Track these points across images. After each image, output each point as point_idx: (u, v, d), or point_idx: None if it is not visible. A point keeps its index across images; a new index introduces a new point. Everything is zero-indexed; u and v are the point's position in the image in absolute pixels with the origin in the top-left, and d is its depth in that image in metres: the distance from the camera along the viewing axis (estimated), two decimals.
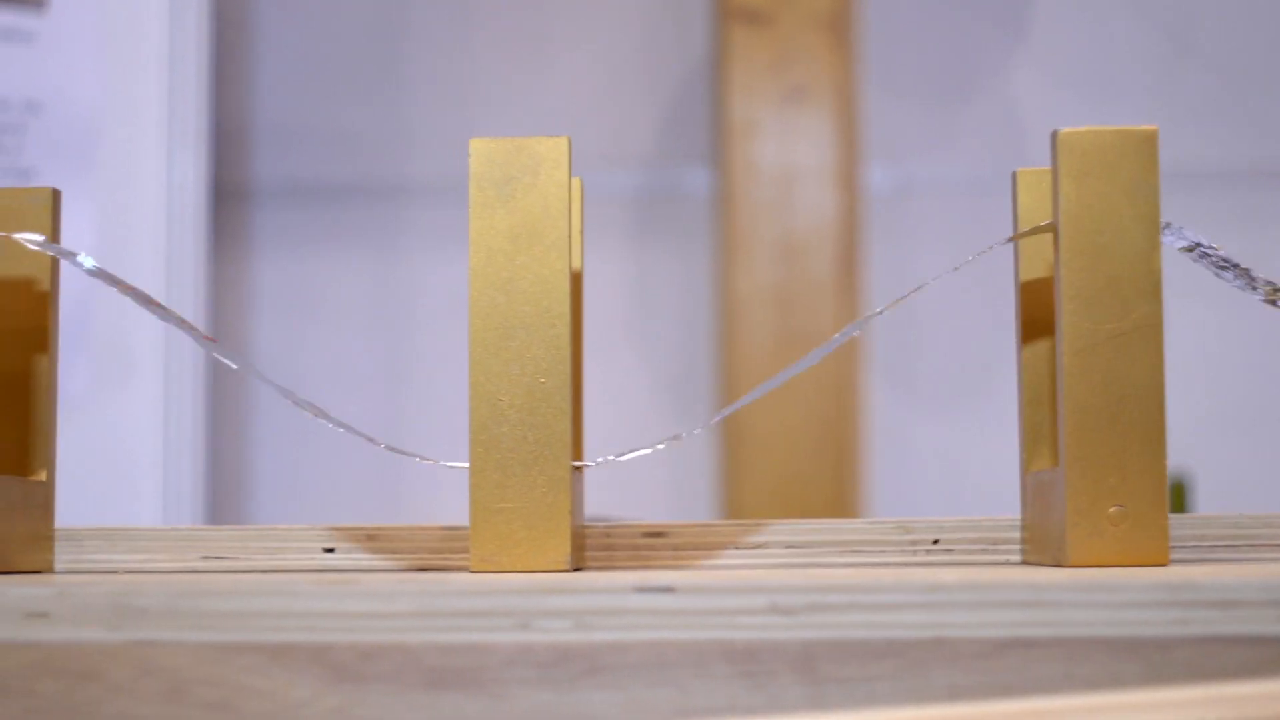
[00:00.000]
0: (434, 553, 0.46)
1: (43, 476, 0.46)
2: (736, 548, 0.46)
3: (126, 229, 1.11)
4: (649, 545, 0.46)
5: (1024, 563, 0.46)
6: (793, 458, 1.24)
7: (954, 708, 0.33)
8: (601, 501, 1.34)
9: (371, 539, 0.47)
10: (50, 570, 0.47)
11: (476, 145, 0.42)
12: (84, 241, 1.09)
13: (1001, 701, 0.33)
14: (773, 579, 0.34)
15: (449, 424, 1.33)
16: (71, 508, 1.11)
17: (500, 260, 0.42)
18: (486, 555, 0.41)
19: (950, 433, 1.33)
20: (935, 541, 0.46)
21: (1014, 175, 0.46)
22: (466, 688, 0.33)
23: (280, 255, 1.36)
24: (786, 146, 1.23)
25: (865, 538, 0.46)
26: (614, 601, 0.33)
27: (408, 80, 1.37)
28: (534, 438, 0.41)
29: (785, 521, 0.46)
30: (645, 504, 1.33)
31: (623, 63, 1.36)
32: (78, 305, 1.09)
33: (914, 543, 0.46)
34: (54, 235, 0.47)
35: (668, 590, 0.33)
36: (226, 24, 1.32)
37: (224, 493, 1.31)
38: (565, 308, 0.42)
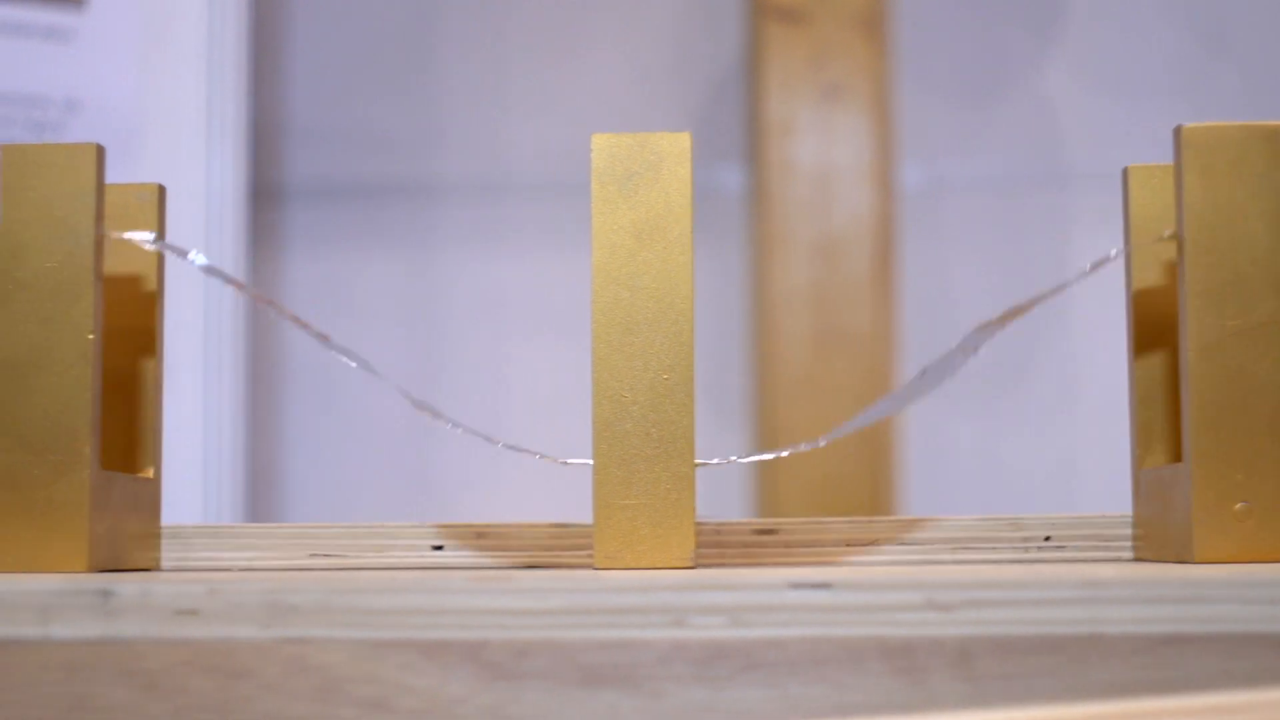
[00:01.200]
0: (544, 550, 0.46)
1: (150, 473, 0.46)
2: (847, 545, 0.46)
3: (166, 228, 1.11)
4: (759, 543, 0.46)
5: (1137, 559, 0.46)
6: (829, 457, 1.24)
7: (1111, 704, 0.33)
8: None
9: (480, 536, 0.46)
10: (157, 568, 0.47)
11: (599, 140, 0.42)
12: None
13: (1159, 698, 0.33)
14: (929, 575, 0.34)
15: (481, 421, 1.33)
16: None
17: (623, 256, 0.42)
18: (610, 552, 0.41)
19: (986, 431, 1.33)
20: (1047, 538, 0.46)
21: (1125, 171, 0.46)
22: (621, 685, 0.33)
23: (312, 254, 1.35)
24: (823, 145, 1.23)
25: (976, 534, 0.46)
26: (770, 598, 0.33)
27: (440, 79, 1.37)
28: (658, 434, 0.41)
29: (896, 519, 0.46)
30: None
31: (655, 61, 1.36)
32: None
33: (1025, 539, 0.46)
34: (161, 230, 0.47)
35: (824, 586, 0.33)
36: (258, 23, 1.32)
37: (259, 493, 1.30)
38: (689, 303, 0.41)
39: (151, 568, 0.46)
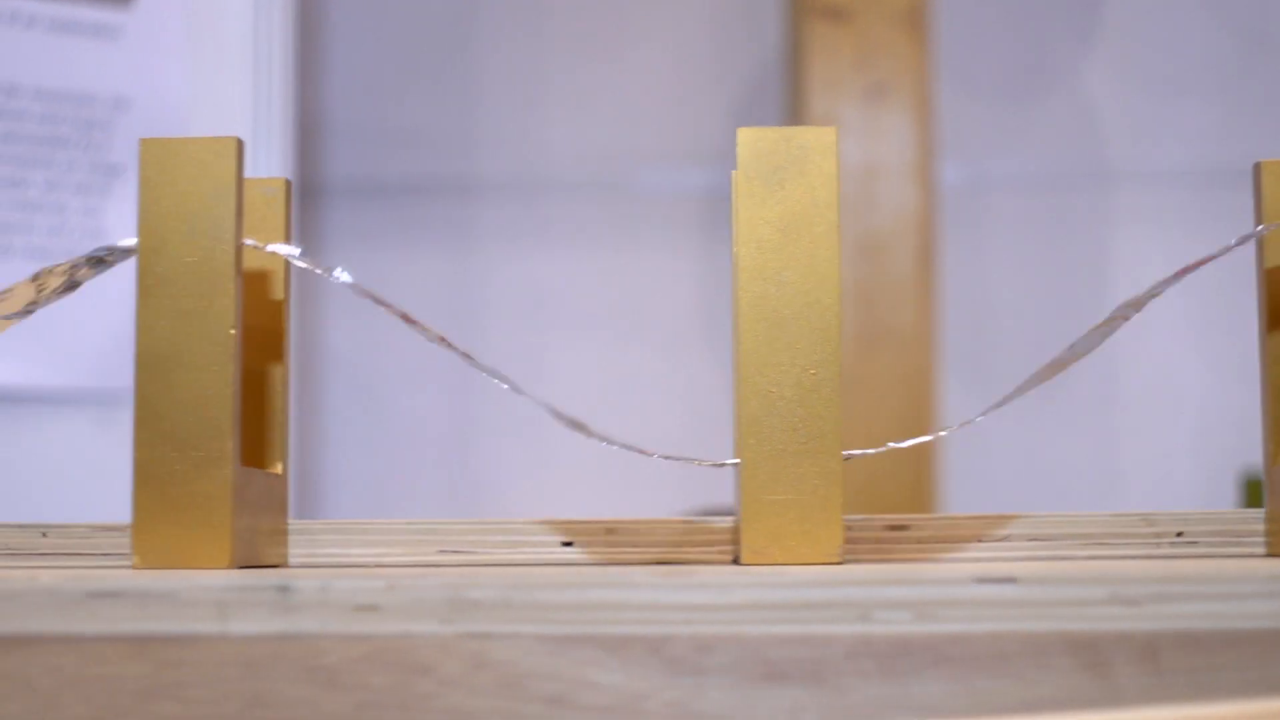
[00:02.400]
0: (674, 546, 0.46)
1: (279, 469, 0.46)
2: (980, 541, 0.46)
3: (292, 225, 1.11)
4: (893, 539, 0.46)
5: (1269, 555, 0.46)
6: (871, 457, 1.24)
7: None
8: (680, 494, 1.34)
9: (610, 532, 0.46)
10: (285, 564, 0.47)
11: (744, 135, 0.42)
12: None
13: None
14: (1114, 569, 0.34)
15: (518, 419, 1.33)
16: None
17: (769, 252, 0.41)
18: (758, 547, 0.41)
19: (1027, 429, 1.33)
20: (1179, 534, 0.46)
21: (1257, 166, 0.46)
22: (806, 680, 0.33)
23: (352, 252, 1.35)
24: (868, 143, 1.23)
25: (1109, 530, 0.46)
26: (955, 593, 0.33)
27: (479, 78, 1.37)
28: (805, 430, 0.41)
29: (1027, 515, 0.46)
30: (725, 498, 1.33)
31: (694, 59, 1.36)
32: None
33: (1158, 535, 0.46)
34: (286, 228, 0.46)
35: (1009, 581, 0.33)
36: (302, 21, 1.32)
37: (303, 495, 1.30)
38: (835, 298, 0.41)
39: (280, 564, 0.46)
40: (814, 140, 0.42)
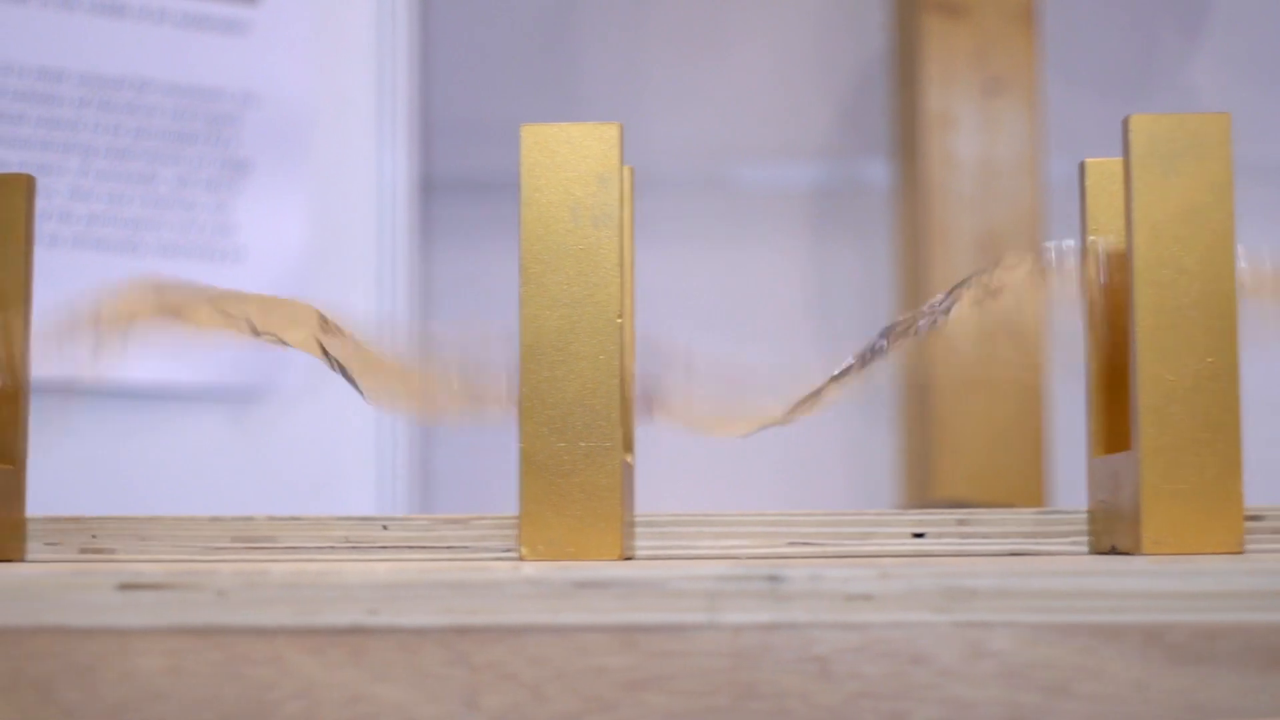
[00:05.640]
0: (1027, 537, 0.46)
1: (630, 460, 0.46)
2: None
3: (338, 221, 1.10)
4: (1248, 529, 0.46)
5: None
6: (985, 447, 1.23)
7: None
8: (776, 493, 1.34)
9: (962, 523, 0.46)
10: (634, 556, 0.46)
11: (1137, 121, 0.42)
12: (297, 234, 1.08)
13: None
14: None
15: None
16: (289, 499, 1.09)
17: (1167, 239, 0.41)
18: (1158, 538, 0.41)
19: None
20: None
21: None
22: None
23: (454, 249, 1.34)
24: (984, 139, 1.23)
25: None
26: None
27: (579, 74, 1.37)
28: (1204, 419, 0.41)
29: None
30: (824, 493, 1.33)
31: (798, 54, 1.35)
32: None
33: None
34: (627, 213, 0.46)
35: None
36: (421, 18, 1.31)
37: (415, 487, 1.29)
38: (1231, 285, 0.41)
39: (631, 556, 0.45)
40: (1208, 126, 0.41)
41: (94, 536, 0.46)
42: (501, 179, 1.35)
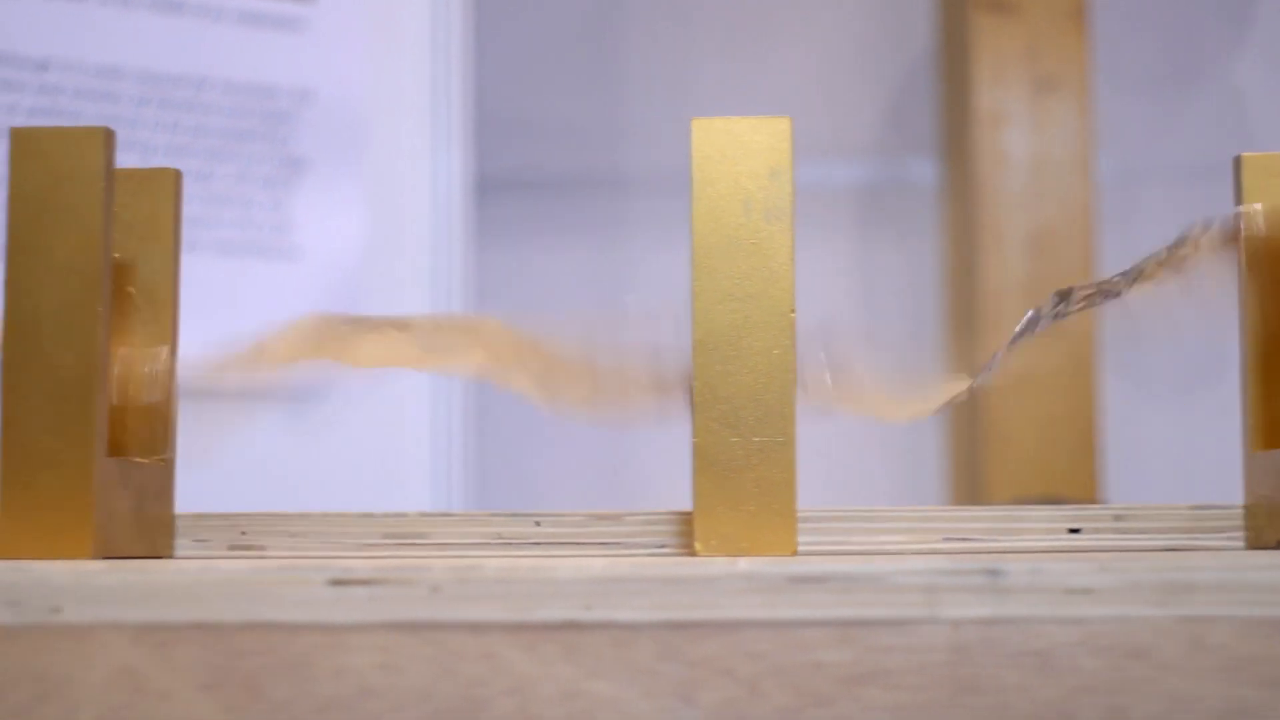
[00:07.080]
0: (1184, 532, 0.45)
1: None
2: None
3: (394, 219, 1.10)
4: None
5: None
6: (1035, 445, 1.23)
7: None
8: (817, 494, 1.34)
9: (1119, 519, 0.46)
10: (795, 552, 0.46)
11: None
12: (353, 232, 1.08)
13: None
14: None
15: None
16: (348, 497, 1.09)
17: None
18: None
19: (1184, 421, 1.32)
20: None
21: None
22: None
23: (502, 247, 1.34)
24: (1035, 136, 1.23)
25: None
26: None
27: (627, 72, 1.36)
28: None
29: None
30: (867, 493, 1.32)
31: (845, 52, 1.35)
32: (349, 305, 1.08)
33: None
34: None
35: None
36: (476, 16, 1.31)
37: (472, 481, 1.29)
38: None
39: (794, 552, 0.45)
40: None
41: (243, 533, 0.46)
42: (549, 177, 1.35)
